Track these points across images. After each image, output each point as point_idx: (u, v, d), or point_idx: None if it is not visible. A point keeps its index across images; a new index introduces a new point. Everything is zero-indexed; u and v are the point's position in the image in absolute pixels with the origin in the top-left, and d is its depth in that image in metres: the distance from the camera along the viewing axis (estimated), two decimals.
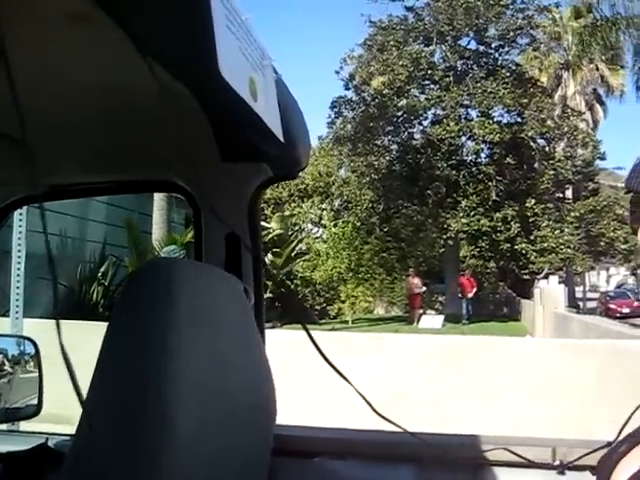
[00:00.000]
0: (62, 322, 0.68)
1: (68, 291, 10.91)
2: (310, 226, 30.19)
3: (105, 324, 0.84)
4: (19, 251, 5.29)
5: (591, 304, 35.37)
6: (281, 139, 0.99)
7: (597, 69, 33.98)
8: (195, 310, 0.87)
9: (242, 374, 1.00)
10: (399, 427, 1.18)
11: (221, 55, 0.76)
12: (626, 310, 29.60)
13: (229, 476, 0.95)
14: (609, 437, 1.11)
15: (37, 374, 1.64)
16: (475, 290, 23.32)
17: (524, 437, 1.35)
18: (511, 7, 24.96)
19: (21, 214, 5.13)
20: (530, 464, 1.24)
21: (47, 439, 1.29)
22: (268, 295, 20.54)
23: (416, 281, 23.77)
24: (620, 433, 1.14)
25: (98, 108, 1.14)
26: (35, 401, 1.60)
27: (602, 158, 27.57)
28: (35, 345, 1.67)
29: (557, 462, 1.22)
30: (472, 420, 5.31)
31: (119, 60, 0.96)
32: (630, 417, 1.07)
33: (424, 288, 24.35)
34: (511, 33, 25.10)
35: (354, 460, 1.32)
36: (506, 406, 5.44)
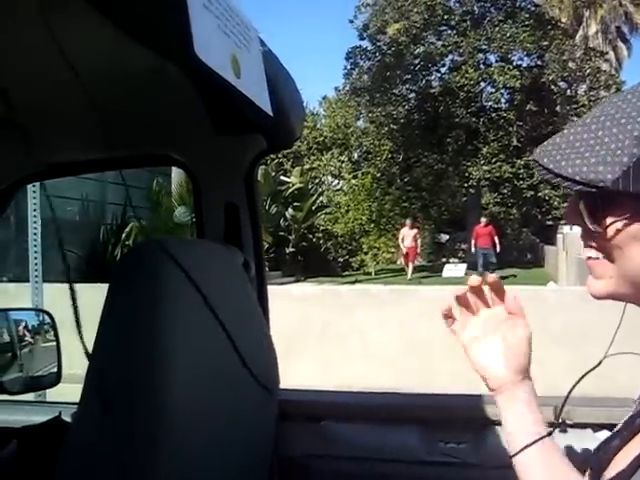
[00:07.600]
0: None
1: (92, 253, 11.07)
2: (330, 178, 30.03)
3: None
4: (34, 217, 5.36)
5: None
6: (270, 113, 0.98)
7: (620, 5, 32.86)
8: (189, 289, 0.88)
9: (242, 349, 1.01)
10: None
11: (197, 37, 0.76)
12: None
13: (234, 450, 0.98)
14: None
15: (55, 344, 1.70)
16: (494, 239, 19.18)
17: None
18: None
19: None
20: None
21: (60, 412, 1.32)
22: (290, 249, 20.63)
23: (413, 233, 20.50)
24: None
25: (94, 89, 1.15)
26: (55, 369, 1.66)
27: None
28: (51, 317, 1.72)
29: (559, 420, 1.24)
30: None
31: (108, 43, 0.96)
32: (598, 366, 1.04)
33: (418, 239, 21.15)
34: None
35: (360, 423, 1.34)
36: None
